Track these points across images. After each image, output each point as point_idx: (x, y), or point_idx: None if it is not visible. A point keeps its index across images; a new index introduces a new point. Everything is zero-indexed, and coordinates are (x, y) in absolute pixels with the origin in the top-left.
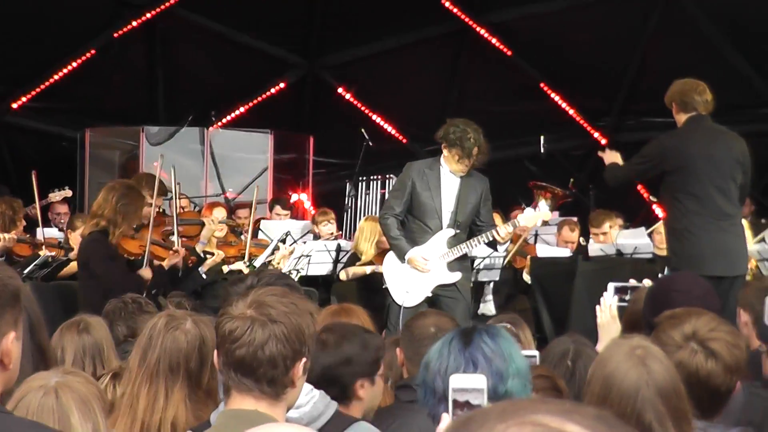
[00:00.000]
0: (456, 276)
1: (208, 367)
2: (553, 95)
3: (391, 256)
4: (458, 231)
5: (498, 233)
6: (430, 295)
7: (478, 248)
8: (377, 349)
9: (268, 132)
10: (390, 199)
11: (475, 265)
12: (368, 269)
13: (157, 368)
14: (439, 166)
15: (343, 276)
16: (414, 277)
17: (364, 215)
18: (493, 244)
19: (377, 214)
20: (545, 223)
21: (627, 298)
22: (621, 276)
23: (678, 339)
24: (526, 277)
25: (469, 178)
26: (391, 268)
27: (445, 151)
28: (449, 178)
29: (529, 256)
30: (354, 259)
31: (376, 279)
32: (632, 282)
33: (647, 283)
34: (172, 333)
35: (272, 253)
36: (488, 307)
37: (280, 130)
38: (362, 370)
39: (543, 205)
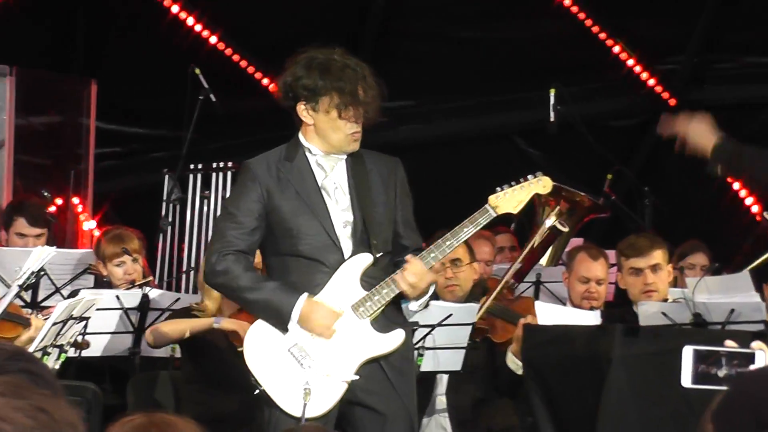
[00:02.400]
0: (395, 339)
1: None
2: (575, 10)
3: (257, 331)
4: (380, 255)
5: (402, 279)
6: (344, 389)
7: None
8: None
9: (6, 73)
10: (222, 228)
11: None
12: (197, 325)
13: None
14: (301, 152)
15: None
16: (314, 354)
17: (207, 240)
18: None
19: None
20: (554, 260)
21: (721, 374)
22: None
23: None
24: (514, 364)
25: (359, 161)
26: (262, 351)
27: (303, 115)
28: (329, 167)
29: (521, 323)
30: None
31: (230, 358)
32: (729, 344)
33: (759, 348)
34: None
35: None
36: (439, 423)
37: (29, 67)
38: None
39: (551, 224)
